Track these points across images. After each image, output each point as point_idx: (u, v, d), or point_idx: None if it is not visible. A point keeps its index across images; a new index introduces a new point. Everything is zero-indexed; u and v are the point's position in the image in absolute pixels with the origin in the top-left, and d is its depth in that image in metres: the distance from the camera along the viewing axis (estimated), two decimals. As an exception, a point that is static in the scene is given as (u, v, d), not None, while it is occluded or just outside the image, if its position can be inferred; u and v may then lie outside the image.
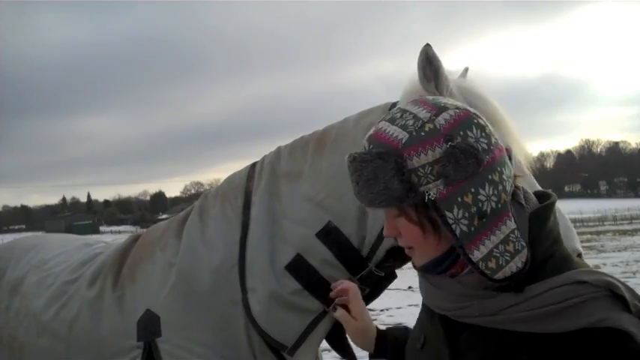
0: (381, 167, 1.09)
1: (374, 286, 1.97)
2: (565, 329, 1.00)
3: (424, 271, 1.23)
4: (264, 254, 1.88)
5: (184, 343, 1.89)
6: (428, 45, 1.80)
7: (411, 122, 1.11)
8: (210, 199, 2.12)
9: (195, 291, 1.92)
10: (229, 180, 2.16)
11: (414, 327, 1.40)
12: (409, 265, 1.43)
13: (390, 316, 9.42)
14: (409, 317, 8.04)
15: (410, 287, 11.25)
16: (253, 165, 2.12)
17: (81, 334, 2.11)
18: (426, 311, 1.31)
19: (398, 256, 1.86)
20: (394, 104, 1.95)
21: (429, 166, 1.07)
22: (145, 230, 2.47)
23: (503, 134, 1.71)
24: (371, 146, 1.14)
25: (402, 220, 1.17)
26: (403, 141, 1.09)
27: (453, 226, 1.08)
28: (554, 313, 1.02)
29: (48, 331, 2.19)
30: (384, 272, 1.94)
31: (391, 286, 2.09)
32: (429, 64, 1.81)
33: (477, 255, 1.08)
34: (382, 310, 9.71)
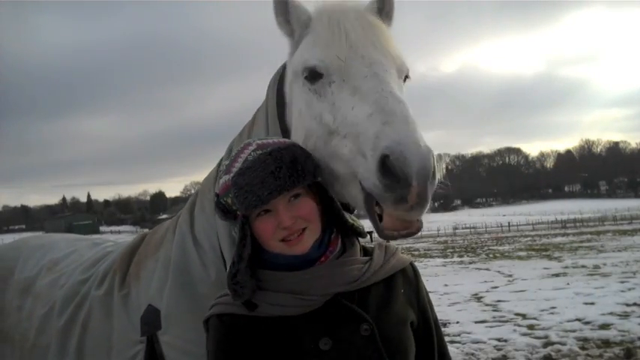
0: (299, 152, 1.46)
1: None
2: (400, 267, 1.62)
3: (305, 257, 1.44)
4: (227, 239, 1.88)
5: (182, 332, 1.91)
6: None
7: None
8: (198, 196, 2.17)
9: (187, 281, 1.95)
10: (208, 174, 2.20)
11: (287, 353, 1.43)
12: None
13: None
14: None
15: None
16: (222, 158, 2.14)
17: (93, 333, 2.13)
18: (312, 320, 1.43)
19: None
20: (284, 65, 1.94)
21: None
22: (149, 230, 2.49)
23: (319, 40, 1.69)
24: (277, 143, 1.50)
25: (305, 199, 1.44)
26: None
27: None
28: (394, 264, 1.57)
29: (63, 332, 2.20)
30: None
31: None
32: (281, 12, 1.78)
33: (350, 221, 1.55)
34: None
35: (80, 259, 2.46)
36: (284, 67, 1.93)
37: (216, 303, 1.52)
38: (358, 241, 1.59)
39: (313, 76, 1.65)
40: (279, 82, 1.89)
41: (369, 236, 1.58)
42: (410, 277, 1.63)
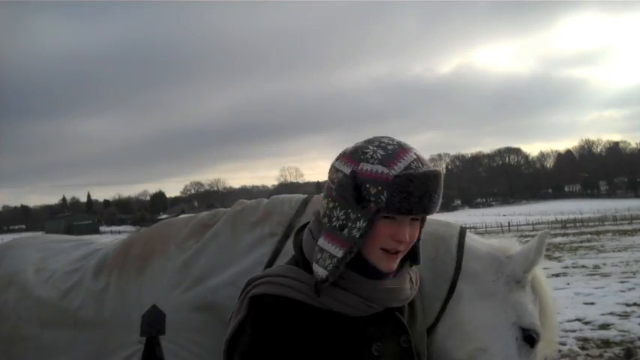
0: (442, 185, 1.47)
1: None
2: None
3: (389, 273, 1.49)
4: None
5: (190, 345, 1.89)
6: (548, 234, 1.99)
7: None
8: (249, 214, 2.11)
9: (210, 298, 1.92)
10: (276, 204, 2.15)
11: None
12: None
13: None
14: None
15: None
16: (305, 202, 2.13)
17: (86, 325, 2.09)
18: (364, 329, 1.47)
19: None
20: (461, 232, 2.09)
21: None
22: (145, 228, 2.45)
23: (544, 321, 1.99)
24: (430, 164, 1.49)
25: (417, 224, 1.48)
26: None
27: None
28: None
29: (53, 322, 2.17)
30: None
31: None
32: (541, 252, 1.94)
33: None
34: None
35: (68, 258, 2.45)
36: (462, 235, 2.05)
37: (271, 281, 1.48)
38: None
39: (528, 338, 1.92)
40: (459, 248, 1.99)
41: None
42: (421, 300, 1.75)
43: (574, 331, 7.95)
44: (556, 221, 59.53)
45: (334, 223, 1.45)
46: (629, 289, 11.26)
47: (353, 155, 1.47)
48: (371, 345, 1.45)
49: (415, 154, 1.48)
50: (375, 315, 1.48)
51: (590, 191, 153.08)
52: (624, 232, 35.90)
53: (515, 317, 1.94)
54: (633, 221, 54.61)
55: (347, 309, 1.45)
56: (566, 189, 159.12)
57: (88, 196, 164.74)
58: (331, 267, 1.41)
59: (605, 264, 16.66)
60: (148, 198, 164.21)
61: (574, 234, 39.60)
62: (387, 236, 1.43)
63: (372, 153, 1.45)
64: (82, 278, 2.23)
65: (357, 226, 1.42)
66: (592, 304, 9.92)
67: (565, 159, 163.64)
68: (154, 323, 1.92)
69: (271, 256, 1.96)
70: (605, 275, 14.06)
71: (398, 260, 1.48)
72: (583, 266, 16.60)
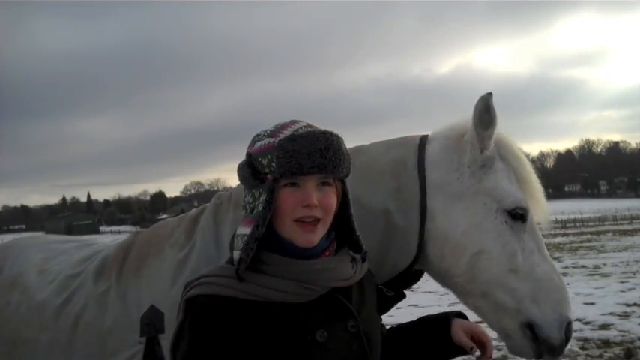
0: (344, 146, 1.48)
1: (387, 306, 2.06)
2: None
3: (312, 250, 1.45)
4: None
5: None
6: (490, 94, 1.90)
7: None
8: (225, 203, 2.13)
9: None
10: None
11: (284, 346, 1.40)
12: None
13: (390, 316, 9.41)
14: (409, 317, 8.00)
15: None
16: None
17: (86, 328, 2.09)
18: (308, 314, 1.43)
19: (407, 278, 1.99)
20: (420, 144, 2.03)
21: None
22: (141, 229, 2.45)
23: (526, 188, 1.96)
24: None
25: (331, 191, 1.46)
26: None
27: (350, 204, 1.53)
28: (364, 267, 1.60)
29: (51, 325, 2.17)
30: (394, 292, 2.01)
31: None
32: (486, 111, 1.88)
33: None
34: (382, 310, 9.71)
35: (70, 259, 2.45)
36: (421, 147, 1.98)
37: (204, 282, 1.47)
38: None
39: (517, 216, 1.89)
40: (419, 165, 1.94)
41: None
42: (374, 283, 1.70)
43: (574, 331, 7.91)
44: (556, 221, 59.48)
45: (247, 209, 1.49)
46: (629, 289, 11.25)
47: (251, 142, 1.52)
48: (315, 331, 1.40)
49: (307, 123, 1.49)
50: (319, 300, 1.43)
51: (590, 191, 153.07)
52: (624, 232, 35.88)
53: (495, 204, 1.88)
54: (633, 221, 54.60)
55: (283, 295, 1.41)
56: (566, 189, 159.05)
57: (88, 196, 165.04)
58: (242, 245, 1.42)
59: (605, 264, 16.65)
60: (148, 198, 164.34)
61: (574, 234, 39.58)
62: (294, 205, 1.41)
63: (263, 132, 1.50)
64: (83, 281, 2.24)
65: (261, 200, 1.43)
66: (592, 304, 9.91)
67: (565, 159, 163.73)
68: (153, 322, 1.93)
69: None
70: (605, 275, 14.05)
71: (318, 231, 1.44)
72: (583, 266, 16.59)
